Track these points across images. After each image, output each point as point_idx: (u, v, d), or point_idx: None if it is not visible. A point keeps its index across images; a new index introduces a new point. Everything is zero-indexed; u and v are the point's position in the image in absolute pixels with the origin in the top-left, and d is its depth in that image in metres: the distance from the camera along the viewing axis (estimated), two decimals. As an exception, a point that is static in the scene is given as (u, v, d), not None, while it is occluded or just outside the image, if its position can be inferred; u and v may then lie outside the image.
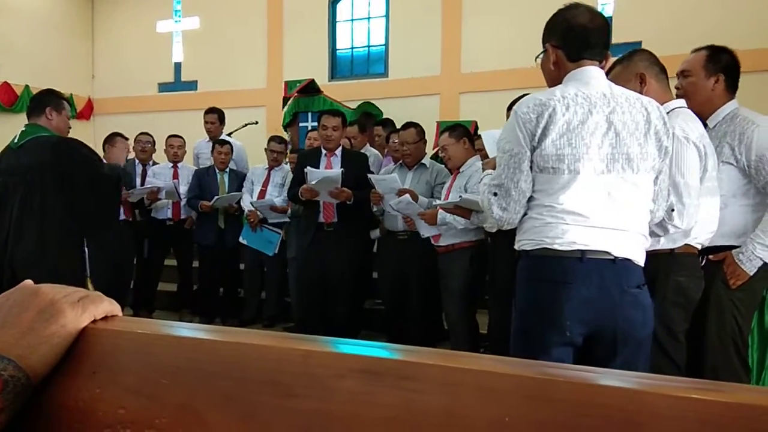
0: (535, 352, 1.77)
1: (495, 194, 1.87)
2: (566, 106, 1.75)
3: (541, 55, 1.97)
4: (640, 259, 1.83)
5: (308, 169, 4.05)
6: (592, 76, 1.84)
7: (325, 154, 4.30)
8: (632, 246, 1.80)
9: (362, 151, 5.34)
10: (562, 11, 1.91)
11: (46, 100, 3.33)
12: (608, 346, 1.79)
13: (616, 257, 1.76)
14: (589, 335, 1.80)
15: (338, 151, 4.32)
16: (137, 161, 5.42)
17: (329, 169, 4.16)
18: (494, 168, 2.27)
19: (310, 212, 4.26)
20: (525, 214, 1.86)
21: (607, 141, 1.76)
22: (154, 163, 5.51)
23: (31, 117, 3.31)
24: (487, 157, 2.69)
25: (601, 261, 1.76)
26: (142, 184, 5.25)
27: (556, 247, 1.76)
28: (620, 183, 1.77)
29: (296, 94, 6.52)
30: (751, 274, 2.39)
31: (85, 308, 0.61)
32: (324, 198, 4.09)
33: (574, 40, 1.86)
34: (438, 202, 3.54)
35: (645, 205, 1.85)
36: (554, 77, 1.92)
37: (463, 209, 3.17)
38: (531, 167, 1.81)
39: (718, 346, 2.40)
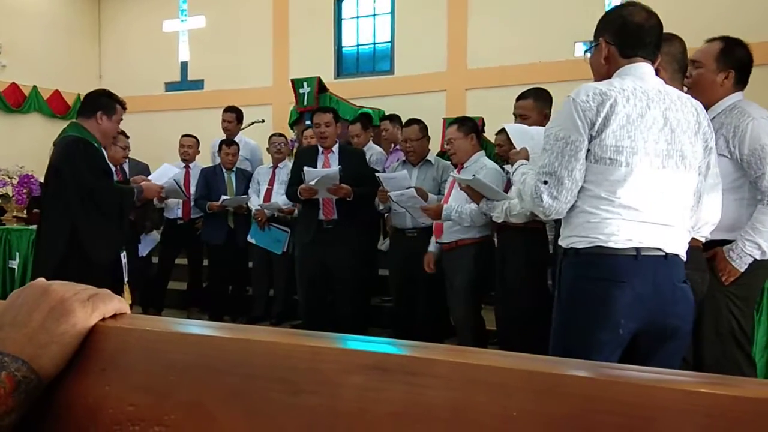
0: (582, 351, 1.74)
1: (545, 182, 1.82)
2: (626, 98, 1.74)
3: (591, 50, 1.96)
4: (684, 254, 1.83)
5: (306, 169, 4.03)
6: (645, 72, 1.84)
7: (322, 152, 4.27)
8: (679, 241, 1.81)
9: (365, 148, 5.34)
10: (618, 8, 1.92)
11: (99, 103, 3.23)
12: (654, 342, 1.80)
13: (667, 253, 1.76)
14: (637, 332, 1.79)
15: (335, 148, 4.29)
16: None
17: (327, 167, 4.14)
18: (526, 158, 2.26)
19: (309, 210, 4.23)
20: (574, 206, 1.83)
21: (663, 137, 1.76)
22: (131, 161, 5.39)
23: (79, 116, 3.26)
24: (506, 151, 2.67)
25: (655, 258, 1.75)
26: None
27: (611, 244, 1.74)
28: (673, 179, 1.78)
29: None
30: (742, 270, 2.37)
31: (96, 306, 0.61)
32: (323, 195, 4.07)
33: (629, 37, 1.85)
34: (453, 173, 3.47)
35: (690, 202, 1.86)
36: (603, 72, 1.91)
37: (474, 191, 3.13)
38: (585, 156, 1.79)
39: (715, 341, 2.38)
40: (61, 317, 0.58)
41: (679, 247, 1.81)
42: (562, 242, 1.90)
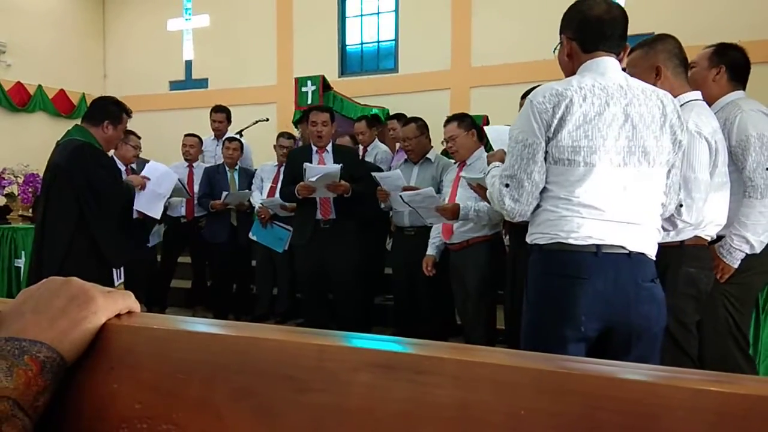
0: (547, 348, 1.75)
1: (507, 185, 1.84)
2: (583, 97, 1.72)
3: (558, 47, 1.95)
4: (653, 253, 1.81)
5: (307, 166, 4.00)
6: (608, 66, 1.81)
7: (317, 151, 4.25)
8: (646, 240, 1.79)
9: (371, 147, 5.34)
10: (578, 3, 1.89)
11: (108, 112, 3.28)
12: (622, 342, 1.78)
13: (630, 251, 1.74)
14: (603, 331, 1.78)
15: (329, 147, 4.28)
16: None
17: (324, 165, 4.13)
18: (501, 160, 2.26)
19: (307, 209, 4.21)
20: (538, 206, 1.84)
21: (623, 133, 1.73)
22: (140, 160, 5.43)
23: (85, 121, 3.31)
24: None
25: (616, 255, 1.74)
26: None
27: (570, 241, 1.74)
28: (636, 176, 1.75)
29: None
30: (735, 266, 2.37)
31: (116, 299, 0.62)
32: (321, 193, 4.05)
33: (589, 32, 1.83)
34: (464, 174, 3.45)
35: (658, 199, 1.83)
36: (569, 69, 1.90)
37: (485, 190, 3.10)
38: (545, 158, 1.78)
39: (714, 340, 2.39)
40: (82, 303, 0.59)
41: (645, 246, 1.78)
42: (528, 239, 1.90)
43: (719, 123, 2.33)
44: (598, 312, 1.74)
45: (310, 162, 4.16)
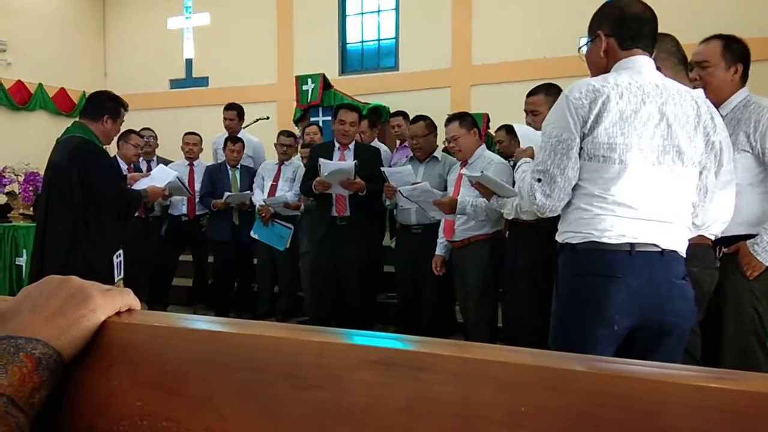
0: (579, 347, 1.74)
1: (539, 180, 1.83)
2: (620, 95, 1.72)
3: (586, 45, 1.95)
4: (684, 251, 1.82)
5: (322, 161, 4.02)
6: (643, 65, 1.82)
7: (338, 149, 4.29)
8: (678, 238, 1.79)
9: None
10: (614, 1, 1.90)
11: (106, 107, 3.31)
12: (652, 339, 1.79)
13: (663, 249, 1.75)
14: (634, 328, 1.78)
15: (351, 146, 4.30)
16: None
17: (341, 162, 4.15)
18: (531, 157, 2.26)
19: (322, 206, 4.25)
20: (569, 203, 1.83)
21: (658, 132, 1.74)
22: (160, 159, 5.50)
23: (84, 117, 3.32)
24: (509, 148, 2.67)
25: (650, 254, 1.74)
26: None
27: (605, 240, 1.74)
28: (670, 175, 1.76)
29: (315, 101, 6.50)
30: (767, 264, 2.35)
31: (114, 297, 0.62)
32: (336, 190, 4.08)
33: (628, 29, 1.84)
34: (465, 171, 3.45)
35: (690, 199, 1.83)
36: (602, 66, 1.89)
37: (484, 188, 3.11)
38: (579, 154, 1.78)
39: (738, 338, 2.36)
40: (80, 302, 0.59)
41: (677, 244, 1.78)
42: (558, 238, 1.89)
43: (745, 124, 2.31)
44: (631, 310, 1.74)
45: (331, 158, 4.18)
